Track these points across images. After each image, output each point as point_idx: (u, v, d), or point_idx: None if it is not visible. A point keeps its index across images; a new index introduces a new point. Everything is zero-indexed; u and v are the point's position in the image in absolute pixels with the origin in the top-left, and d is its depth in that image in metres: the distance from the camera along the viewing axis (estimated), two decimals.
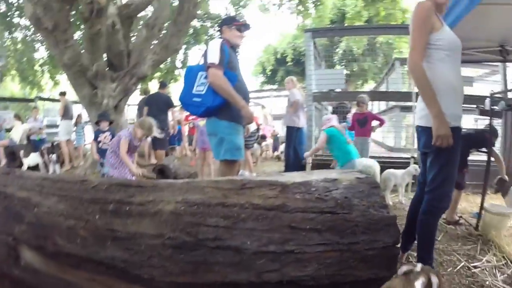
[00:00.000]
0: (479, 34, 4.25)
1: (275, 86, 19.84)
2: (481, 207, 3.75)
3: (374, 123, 5.64)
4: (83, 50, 6.50)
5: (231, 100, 2.75)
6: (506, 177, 4.03)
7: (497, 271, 2.76)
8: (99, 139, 5.27)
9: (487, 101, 4.60)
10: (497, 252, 3.15)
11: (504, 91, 5.88)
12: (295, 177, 1.77)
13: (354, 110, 6.59)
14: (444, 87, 2.08)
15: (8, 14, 9.74)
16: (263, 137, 8.46)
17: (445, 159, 2.15)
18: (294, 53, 17.55)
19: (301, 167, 6.00)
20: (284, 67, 18.80)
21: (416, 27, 2.11)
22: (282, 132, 11.81)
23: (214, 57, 2.76)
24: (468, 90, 8.01)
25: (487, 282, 2.57)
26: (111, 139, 4.97)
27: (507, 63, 5.96)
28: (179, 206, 1.53)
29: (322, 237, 1.42)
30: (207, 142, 5.20)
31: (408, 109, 8.22)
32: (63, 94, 8.09)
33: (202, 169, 5.82)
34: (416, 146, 5.73)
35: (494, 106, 4.33)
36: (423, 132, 2.22)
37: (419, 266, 1.22)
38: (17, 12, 9.73)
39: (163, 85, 7.02)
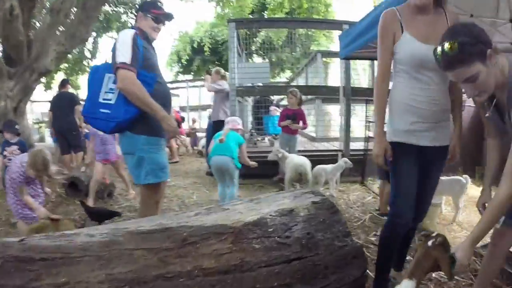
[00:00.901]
0: None
1: (190, 76, 19.16)
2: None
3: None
4: None
5: (148, 110, 2.30)
6: None
7: None
8: (5, 153, 4.34)
9: None
10: None
11: None
12: (242, 210, 1.47)
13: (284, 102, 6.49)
14: (393, 102, 2.10)
15: None
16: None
17: (392, 172, 2.19)
18: (211, 42, 16.98)
19: None
20: (200, 56, 18.18)
21: (378, 38, 2.07)
22: (200, 125, 11.45)
23: (124, 54, 2.24)
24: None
25: (436, 276, 2.61)
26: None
27: None
28: None
29: None
30: (111, 152, 4.62)
31: (329, 100, 8.48)
32: None
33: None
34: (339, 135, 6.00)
35: None
36: None
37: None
38: None
39: (63, 83, 6.10)
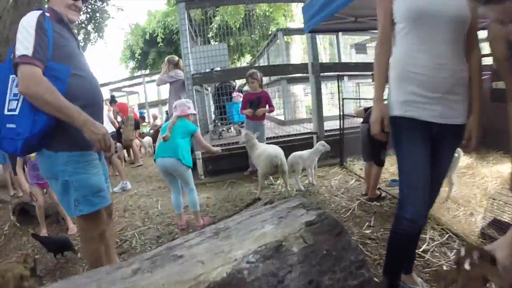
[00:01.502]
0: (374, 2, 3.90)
1: (147, 71, 18.11)
2: None
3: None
4: None
5: (62, 116, 1.68)
6: None
7: (446, 249, 2.61)
8: None
9: None
10: (435, 225, 2.99)
11: None
12: (204, 257, 0.89)
13: (245, 88, 5.89)
14: (391, 71, 1.77)
15: None
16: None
17: (396, 153, 1.82)
18: (164, 33, 15.97)
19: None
20: (155, 49, 17.20)
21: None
22: (162, 120, 10.65)
23: (24, 44, 1.65)
24: (362, 58, 8.17)
25: (442, 264, 2.41)
26: None
27: None
28: None
29: None
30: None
31: (295, 80, 7.97)
32: None
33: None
34: (312, 116, 5.53)
35: None
36: None
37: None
38: None
39: None
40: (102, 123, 1.92)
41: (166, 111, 6.61)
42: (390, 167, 4.82)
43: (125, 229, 3.68)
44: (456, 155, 3.59)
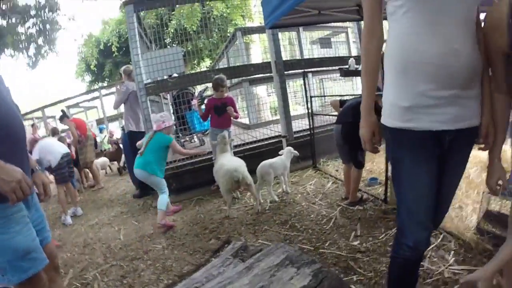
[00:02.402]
0: None
1: (105, 83, 17.18)
2: (387, 178, 3.33)
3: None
4: None
5: None
6: None
7: (443, 251, 2.40)
8: None
9: (351, 61, 4.22)
10: None
11: None
12: None
13: (207, 93, 5.46)
14: (388, 64, 1.36)
15: None
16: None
17: (393, 172, 1.48)
18: (119, 41, 15.14)
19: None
20: (111, 59, 16.29)
21: None
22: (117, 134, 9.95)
23: None
24: (325, 53, 7.92)
25: (443, 270, 2.17)
26: None
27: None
28: None
29: None
30: None
31: (257, 81, 7.62)
32: None
33: None
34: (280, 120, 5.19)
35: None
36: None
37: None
38: None
39: None
40: (23, 163, 1.47)
41: (122, 127, 6.06)
42: (367, 165, 4.56)
43: (86, 269, 3.18)
44: None
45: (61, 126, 7.99)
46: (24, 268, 1.49)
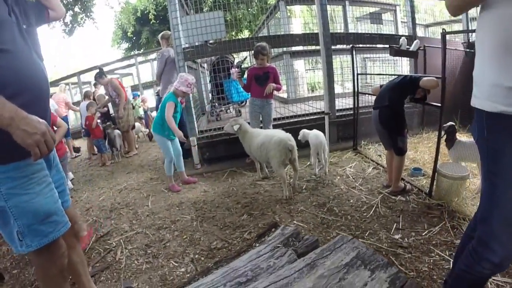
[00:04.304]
0: None
1: (141, 51, 17.17)
2: (434, 169, 3.02)
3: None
4: None
5: None
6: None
7: None
8: None
9: (403, 40, 3.82)
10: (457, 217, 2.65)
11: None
12: None
13: (245, 65, 5.20)
14: (490, 36, 1.15)
15: None
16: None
17: (488, 168, 1.21)
18: (157, 9, 14.94)
19: (185, 152, 4.46)
20: (148, 27, 16.19)
21: None
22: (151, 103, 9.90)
23: None
24: (377, 28, 7.44)
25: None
26: None
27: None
28: None
29: None
30: None
31: (299, 54, 7.26)
32: None
33: None
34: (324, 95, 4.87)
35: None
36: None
37: None
38: None
39: None
40: (46, 116, 1.34)
41: (157, 93, 5.91)
42: (410, 153, 4.23)
43: (110, 234, 3.08)
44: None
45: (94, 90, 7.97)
46: (45, 232, 1.38)
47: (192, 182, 4.20)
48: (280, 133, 3.41)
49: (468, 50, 4.80)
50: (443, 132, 3.14)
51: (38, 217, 1.35)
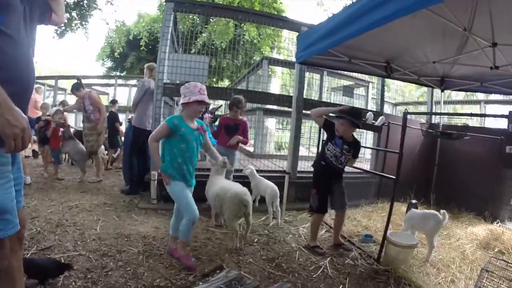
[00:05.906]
0: (370, 47, 4.09)
1: (123, 74, 17.25)
2: (384, 237, 3.27)
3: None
4: None
5: None
6: None
7: None
8: None
9: (369, 114, 4.23)
10: None
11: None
12: None
13: (219, 112, 5.39)
14: None
15: None
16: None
17: None
18: (149, 38, 15.28)
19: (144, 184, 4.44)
20: (136, 53, 16.42)
21: None
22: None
23: None
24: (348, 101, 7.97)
25: None
26: None
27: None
28: None
29: None
30: None
31: (272, 113, 7.60)
32: None
33: None
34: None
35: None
36: None
37: None
38: None
39: None
40: (25, 112, 1.34)
41: (129, 119, 5.92)
42: (363, 220, 4.48)
43: (52, 249, 2.97)
44: (440, 217, 3.42)
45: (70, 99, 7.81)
46: None
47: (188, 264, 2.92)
48: (237, 187, 3.39)
49: (428, 130, 5.12)
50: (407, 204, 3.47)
51: None
